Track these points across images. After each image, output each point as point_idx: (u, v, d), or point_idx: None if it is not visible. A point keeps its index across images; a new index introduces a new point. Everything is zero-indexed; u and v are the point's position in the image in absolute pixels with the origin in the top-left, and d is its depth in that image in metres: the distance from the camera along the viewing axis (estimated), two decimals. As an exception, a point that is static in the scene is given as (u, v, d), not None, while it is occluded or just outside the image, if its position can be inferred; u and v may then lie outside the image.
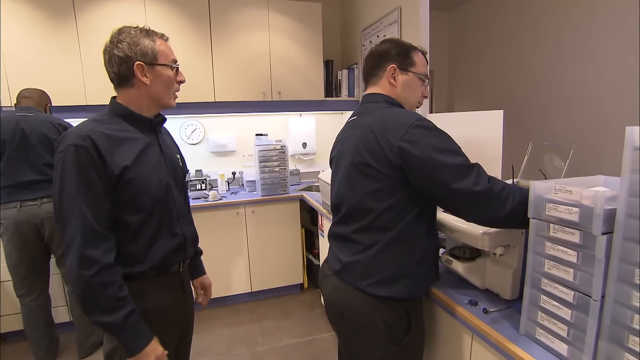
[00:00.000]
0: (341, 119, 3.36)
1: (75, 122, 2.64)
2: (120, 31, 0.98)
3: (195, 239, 1.18)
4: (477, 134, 1.70)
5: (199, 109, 2.80)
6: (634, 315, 0.65)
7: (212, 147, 3.07)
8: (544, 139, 2.76)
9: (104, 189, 0.90)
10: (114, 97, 1.04)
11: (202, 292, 1.32)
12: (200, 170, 2.96)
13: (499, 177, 1.59)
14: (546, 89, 2.85)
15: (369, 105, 1.04)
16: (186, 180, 1.19)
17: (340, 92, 2.99)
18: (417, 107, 1.11)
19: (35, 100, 2.06)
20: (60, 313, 2.27)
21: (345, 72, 2.94)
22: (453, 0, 3.57)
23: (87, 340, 2.15)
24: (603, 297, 0.70)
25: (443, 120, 2.03)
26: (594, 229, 0.68)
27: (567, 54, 2.67)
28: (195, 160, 3.05)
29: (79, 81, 2.41)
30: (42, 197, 1.95)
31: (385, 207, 0.93)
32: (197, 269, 1.30)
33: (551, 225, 0.78)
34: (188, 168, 1.27)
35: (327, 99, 2.95)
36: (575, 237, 0.73)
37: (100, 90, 2.45)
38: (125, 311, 0.89)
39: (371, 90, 1.08)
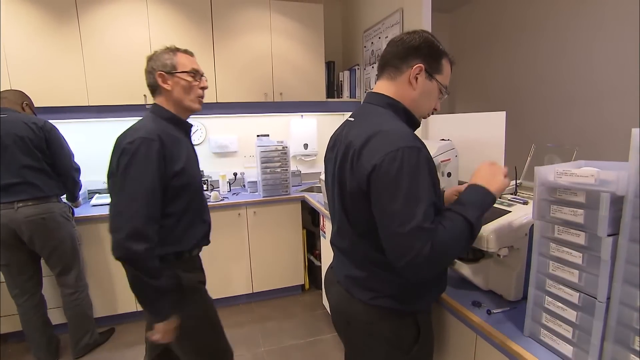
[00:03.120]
0: (342, 120, 3.35)
1: (75, 123, 2.67)
2: (152, 53, 1.22)
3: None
4: (478, 136, 1.70)
5: (202, 110, 2.79)
6: None
7: (213, 148, 3.07)
8: (547, 140, 2.76)
9: (162, 180, 1.08)
10: (154, 103, 1.23)
11: None
12: (202, 171, 2.96)
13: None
14: (548, 89, 2.85)
15: (368, 106, 0.94)
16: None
17: (341, 93, 2.99)
18: (424, 118, 0.99)
19: (9, 100, 2.00)
20: (55, 315, 2.26)
21: (346, 73, 2.95)
22: (454, 1, 3.58)
23: (80, 341, 2.15)
24: (608, 298, 0.70)
25: (445, 122, 2.03)
26: (599, 231, 0.68)
27: (569, 54, 2.67)
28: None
29: (80, 82, 2.41)
30: (19, 201, 1.87)
31: (370, 224, 0.84)
32: None
33: (556, 226, 0.78)
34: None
35: (329, 100, 2.95)
36: (580, 238, 0.73)
37: (102, 91, 2.46)
38: (161, 281, 1.07)
39: (382, 84, 0.94)
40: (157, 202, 1.08)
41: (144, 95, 2.52)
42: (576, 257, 0.74)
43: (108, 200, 2.48)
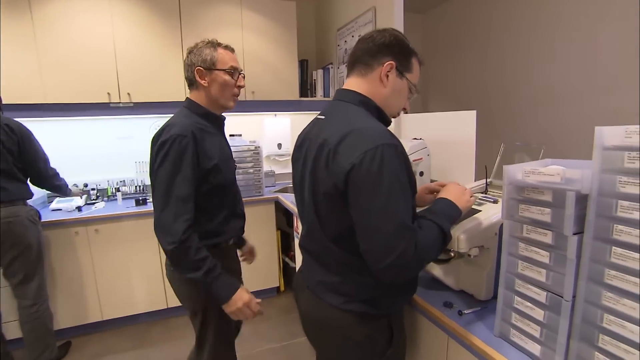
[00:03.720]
0: (317, 119, 3.33)
1: (32, 121, 2.50)
2: (193, 45, 1.22)
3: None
4: (450, 135, 1.71)
5: (169, 109, 2.68)
6: (603, 314, 0.66)
7: (183, 148, 2.95)
8: (515, 139, 2.84)
9: (194, 174, 1.10)
10: (188, 98, 1.25)
11: (250, 255, 1.63)
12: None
13: (473, 178, 1.62)
14: (515, 89, 2.93)
15: (340, 104, 0.91)
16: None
17: (315, 92, 2.96)
18: (394, 117, 0.98)
19: None
20: (10, 329, 2.11)
21: (320, 71, 2.92)
22: (427, 2, 3.63)
23: (39, 357, 2.00)
24: (574, 297, 0.70)
25: (417, 121, 2.04)
26: (565, 229, 0.68)
27: (533, 55, 2.75)
28: (165, 161, 2.93)
29: (35, 78, 2.26)
30: None
31: (344, 226, 0.82)
32: (243, 239, 1.56)
33: (524, 226, 0.78)
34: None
35: (302, 99, 2.92)
36: (547, 237, 0.73)
37: (61, 87, 2.31)
38: (205, 269, 1.08)
39: (353, 81, 0.92)
40: (191, 198, 1.10)
41: (108, 93, 2.39)
42: (544, 257, 0.74)
43: (67, 203, 2.40)
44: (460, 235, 0.95)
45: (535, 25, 2.71)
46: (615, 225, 0.63)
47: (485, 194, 1.28)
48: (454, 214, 0.89)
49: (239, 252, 1.54)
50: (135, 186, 2.79)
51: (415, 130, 1.95)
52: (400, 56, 0.89)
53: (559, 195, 0.69)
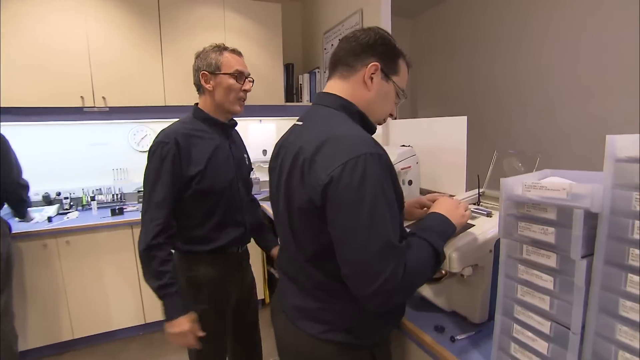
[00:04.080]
0: (304, 124, 3.23)
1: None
2: (201, 50, 1.22)
3: (255, 224, 1.45)
4: (440, 141, 1.63)
5: (148, 114, 2.57)
6: (618, 351, 0.57)
7: (164, 154, 2.83)
8: (505, 145, 2.79)
9: (173, 180, 1.11)
10: (196, 103, 1.26)
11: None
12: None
13: (464, 187, 1.54)
14: (506, 94, 2.89)
15: (320, 108, 0.83)
16: (250, 175, 1.41)
17: (301, 97, 2.87)
18: (379, 124, 0.89)
19: None
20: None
21: (306, 76, 2.83)
22: (415, 7, 3.59)
23: None
24: (583, 329, 0.61)
25: (405, 127, 1.97)
26: (572, 252, 0.59)
27: (525, 59, 2.72)
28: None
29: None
30: None
31: (322, 246, 0.73)
32: (271, 242, 1.51)
33: (524, 246, 0.69)
34: (252, 167, 1.50)
35: (288, 104, 2.82)
36: (551, 260, 0.64)
37: (29, 90, 2.16)
38: (162, 282, 1.09)
39: (334, 84, 0.83)
40: (167, 204, 1.11)
41: (81, 97, 2.26)
42: (547, 282, 0.65)
43: (37, 214, 2.24)
44: (452, 254, 0.86)
45: (524, 30, 2.68)
46: (630, 249, 0.54)
47: (478, 205, 1.20)
48: (448, 230, 0.81)
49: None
50: (113, 195, 2.65)
51: (403, 137, 1.87)
52: (385, 57, 0.81)
53: (564, 213, 0.61)
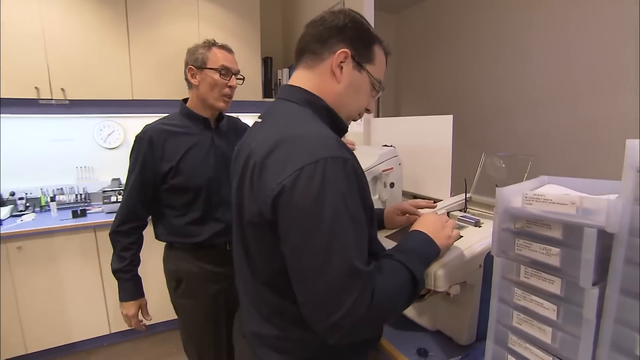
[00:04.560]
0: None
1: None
2: (193, 45, 1.23)
3: None
4: (424, 142, 1.54)
5: (115, 108, 2.38)
6: (635, 397, 0.48)
7: (133, 152, 2.65)
8: (490, 146, 2.74)
9: (143, 174, 1.16)
10: (185, 99, 1.27)
11: None
12: (118, 179, 2.54)
13: (449, 192, 1.45)
14: (491, 93, 2.84)
15: (282, 103, 0.71)
16: None
17: (281, 93, 2.74)
18: (354, 120, 0.78)
19: None
20: None
21: (286, 71, 2.70)
22: (400, 2, 3.50)
23: None
24: (592, 368, 0.52)
25: (387, 126, 1.87)
26: (582, 279, 0.50)
27: (510, 58, 2.67)
28: (112, 167, 2.61)
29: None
30: None
31: (279, 267, 0.61)
32: None
33: (522, 267, 0.59)
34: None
35: (266, 99, 2.68)
36: (555, 286, 0.54)
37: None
38: (120, 266, 1.19)
39: (299, 75, 0.72)
40: (135, 194, 1.17)
41: (36, 88, 2.06)
42: (549, 310, 0.55)
43: None
44: (437, 271, 0.75)
45: (510, 28, 2.63)
46: (654, 277, 0.45)
47: (465, 211, 1.11)
48: (431, 252, 0.70)
49: None
50: (76, 194, 2.46)
51: (385, 137, 1.77)
52: (357, 43, 0.69)
53: (572, 232, 0.51)
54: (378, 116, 2.88)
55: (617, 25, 2.01)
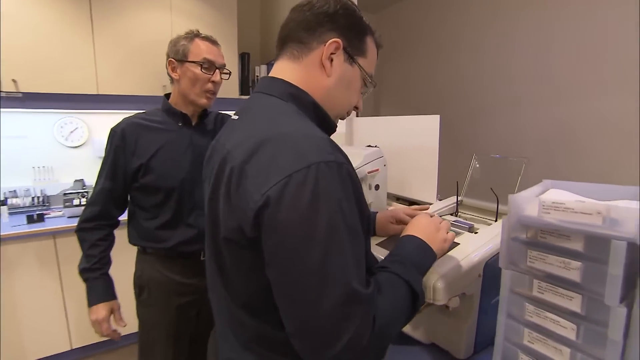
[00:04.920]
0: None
1: None
2: (175, 36, 1.15)
3: None
4: (410, 142, 1.49)
5: (79, 103, 2.21)
6: None
7: (99, 150, 2.44)
8: (473, 147, 2.74)
9: (114, 170, 1.11)
10: (168, 94, 1.20)
11: None
12: (82, 181, 2.35)
13: (434, 195, 1.41)
14: (473, 94, 2.85)
15: (261, 98, 0.62)
16: None
17: (259, 91, 2.63)
18: (341, 119, 0.70)
19: None
20: None
21: (264, 67, 2.60)
22: (380, 1, 3.47)
23: None
24: (615, 393, 0.47)
25: (371, 126, 1.81)
26: (607, 297, 0.45)
27: (493, 58, 2.69)
28: (75, 167, 2.42)
29: None
30: None
31: (258, 288, 0.53)
32: None
33: (536, 281, 0.54)
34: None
35: (243, 97, 2.56)
36: (574, 303, 0.49)
37: None
38: (87, 265, 1.10)
39: (282, 66, 0.63)
40: (104, 192, 1.11)
41: (-15, 79, 1.85)
42: (567, 330, 0.50)
43: None
44: (437, 283, 0.69)
45: (492, 27, 2.65)
46: (691, 295, 0.40)
47: (456, 216, 1.07)
48: (427, 260, 0.63)
49: None
50: (33, 197, 2.25)
51: (369, 137, 1.71)
52: (349, 33, 0.62)
53: (596, 244, 0.46)
54: (358, 115, 2.84)
55: (603, 25, 2.05)
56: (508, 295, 0.58)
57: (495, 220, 0.94)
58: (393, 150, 1.50)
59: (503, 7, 2.55)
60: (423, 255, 0.63)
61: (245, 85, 2.58)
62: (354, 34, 0.62)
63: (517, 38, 2.48)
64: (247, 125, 0.57)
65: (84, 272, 1.11)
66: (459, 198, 1.07)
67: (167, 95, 1.20)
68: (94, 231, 1.13)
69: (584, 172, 2.10)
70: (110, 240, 1.17)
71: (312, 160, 0.46)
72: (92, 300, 1.11)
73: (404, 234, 0.68)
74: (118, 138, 1.10)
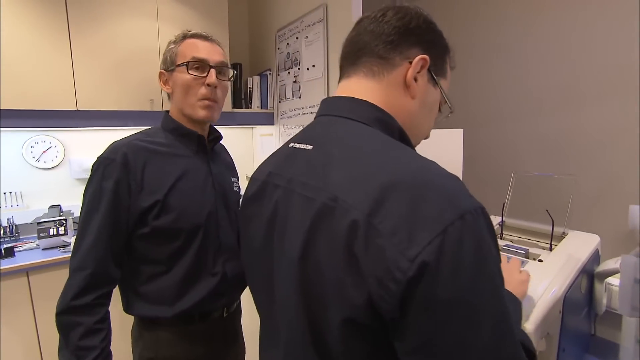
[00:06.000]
0: (252, 134, 2.86)
1: None
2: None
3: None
4: (433, 158, 1.43)
5: (53, 120, 1.99)
6: None
7: (76, 172, 2.24)
8: (474, 153, 2.72)
9: (114, 213, 0.82)
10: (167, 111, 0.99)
11: None
12: (58, 207, 2.12)
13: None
14: (483, 99, 2.83)
15: (342, 123, 0.51)
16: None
17: (251, 103, 2.50)
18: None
19: None
20: None
21: (256, 78, 2.48)
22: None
23: None
24: None
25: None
26: None
27: (504, 63, 2.69)
28: (49, 192, 2.19)
29: None
30: None
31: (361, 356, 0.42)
32: None
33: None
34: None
35: (236, 110, 2.42)
36: None
37: None
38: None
39: (358, 84, 0.53)
40: (102, 246, 0.81)
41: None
42: None
43: None
44: (525, 325, 0.61)
45: (502, 34, 2.66)
46: None
47: (501, 239, 1.00)
48: (518, 311, 0.57)
49: None
50: None
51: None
52: (433, 50, 0.54)
53: None
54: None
55: (612, 30, 2.09)
56: (634, 346, 0.50)
57: (550, 244, 0.88)
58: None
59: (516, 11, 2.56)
60: (514, 307, 0.56)
61: (237, 97, 2.45)
62: (437, 52, 0.55)
63: (528, 46, 2.49)
64: (345, 160, 0.46)
65: None
66: (503, 219, 1.01)
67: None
68: (93, 310, 0.80)
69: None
70: (109, 321, 0.86)
71: (464, 208, 0.36)
72: None
73: None
74: (119, 169, 0.82)
